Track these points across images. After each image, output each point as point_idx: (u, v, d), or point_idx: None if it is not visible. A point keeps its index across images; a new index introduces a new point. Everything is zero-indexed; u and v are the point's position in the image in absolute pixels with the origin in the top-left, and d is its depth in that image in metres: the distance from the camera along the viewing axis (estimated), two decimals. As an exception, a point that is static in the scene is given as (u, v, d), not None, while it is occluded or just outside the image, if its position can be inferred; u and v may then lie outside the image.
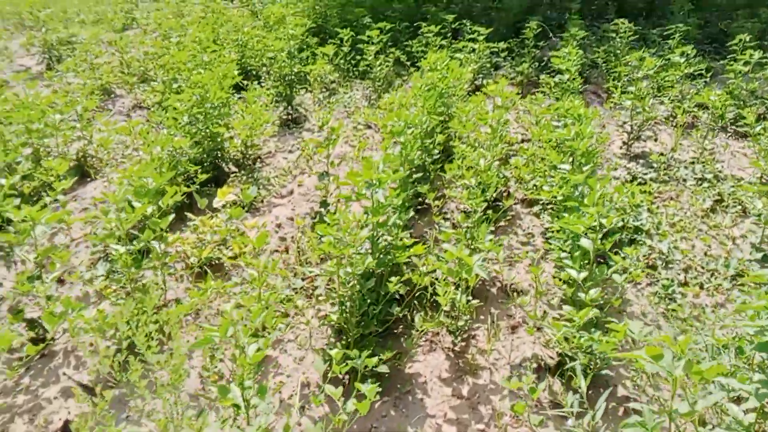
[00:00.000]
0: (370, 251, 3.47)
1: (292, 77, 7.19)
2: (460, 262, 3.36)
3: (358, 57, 8.50)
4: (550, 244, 4.23)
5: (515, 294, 4.05)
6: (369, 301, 3.40)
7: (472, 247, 4.07)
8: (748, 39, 7.20)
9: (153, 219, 3.66)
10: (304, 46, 8.78)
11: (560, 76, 6.44)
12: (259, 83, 8.12)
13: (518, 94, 8.14)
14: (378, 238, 3.54)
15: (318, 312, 3.84)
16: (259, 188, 5.50)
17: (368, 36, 7.91)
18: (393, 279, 3.30)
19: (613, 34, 8.43)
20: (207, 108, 5.46)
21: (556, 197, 4.23)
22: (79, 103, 5.73)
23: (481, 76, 8.30)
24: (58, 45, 9.32)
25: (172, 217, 3.86)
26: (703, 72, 7.31)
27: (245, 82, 7.41)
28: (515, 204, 5.26)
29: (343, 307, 3.29)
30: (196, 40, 6.93)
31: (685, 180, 5.48)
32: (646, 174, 5.55)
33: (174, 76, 7.01)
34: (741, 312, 3.25)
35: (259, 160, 6.12)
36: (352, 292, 3.24)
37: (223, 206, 4.55)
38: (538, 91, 7.87)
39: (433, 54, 6.14)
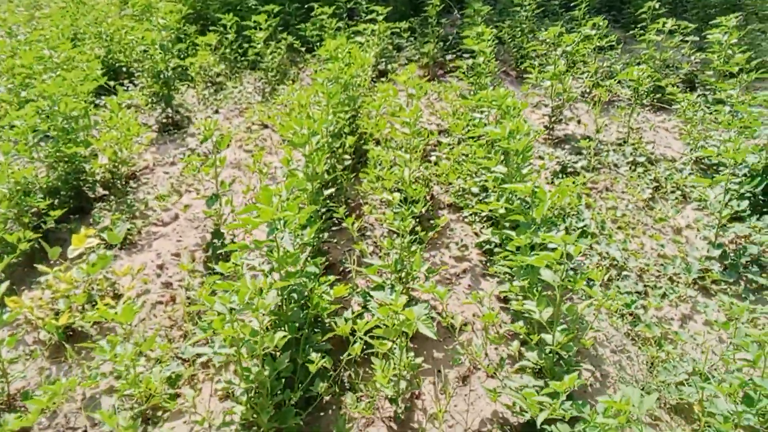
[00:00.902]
0: (277, 318, 2.61)
1: (169, 73, 6.07)
2: (397, 314, 2.58)
3: (246, 45, 7.45)
4: (494, 265, 3.53)
5: (457, 329, 3.32)
6: (284, 378, 2.56)
7: (404, 278, 3.29)
8: (656, 6, 6.83)
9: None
10: (182, 36, 7.60)
11: (474, 59, 5.74)
12: (132, 82, 6.90)
13: (426, 77, 7.43)
14: (288, 300, 2.69)
15: (217, 390, 2.94)
16: (135, 215, 4.44)
17: (255, 21, 6.88)
18: (315, 356, 2.47)
19: (517, 8, 7.84)
20: (59, 123, 4.32)
21: (494, 210, 3.53)
22: None
23: (384, 59, 7.49)
24: None
25: (5, 284, 2.81)
26: (614, 44, 6.87)
27: (113, 83, 6.20)
28: (441, 209, 4.54)
29: (250, 399, 2.43)
30: (42, 38, 5.63)
31: (617, 165, 4.96)
32: (576, 162, 4.99)
33: (22, 83, 5.71)
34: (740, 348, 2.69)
35: (133, 177, 5.02)
36: (259, 377, 2.37)
37: (83, 254, 3.50)
38: (450, 75, 7.19)
39: (332, 40, 5.25)
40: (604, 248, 3.86)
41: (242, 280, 2.29)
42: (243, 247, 2.61)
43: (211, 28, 7.71)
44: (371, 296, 3.06)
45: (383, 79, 7.16)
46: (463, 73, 6.09)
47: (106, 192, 4.74)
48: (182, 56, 7.21)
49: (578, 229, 3.94)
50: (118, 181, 4.83)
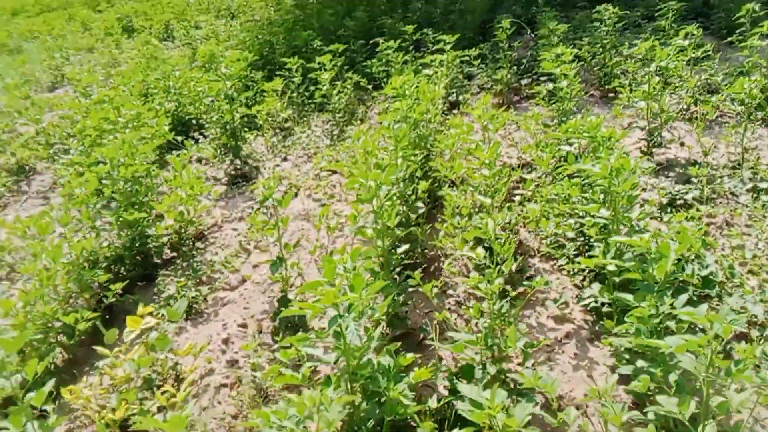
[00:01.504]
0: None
1: (236, 124, 5.84)
2: (493, 417, 2.04)
3: (312, 87, 7.17)
4: (608, 336, 2.91)
5: (570, 425, 2.71)
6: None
7: (496, 354, 2.75)
8: (756, 8, 5.99)
9: (19, 404, 2.29)
10: (250, 83, 7.42)
11: (554, 83, 5.15)
12: (202, 134, 6.75)
13: (500, 105, 6.89)
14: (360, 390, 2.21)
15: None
16: (201, 281, 4.13)
17: (320, 63, 6.59)
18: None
19: (596, 23, 7.19)
20: (121, 187, 4.10)
21: (603, 266, 2.92)
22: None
23: (454, 90, 7.01)
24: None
25: (50, 383, 2.49)
26: (709, 53, 6.07)
27: (181, 139, 6.02)
28: (531, 256, 3.95)
29: None
30: (106, 98, 5.52)
31: (735, 194, 4.21)
32: (685, 193, 4.27)
33: (92, 144, 5.61)
34: None
35: (201, 237, 4.74)
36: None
37: (140, 335, 3.17)
38: (527, 101, 6.60)
39: (398, 76, 4.83)
40: (737, 301, 3.16)
41: (299, 397, 1.83)
42: (302, 339, 2.16)
43: (277, 72, 7.50)
44: (458, 381, 2.53)
45: (455, 111, 6.68)
46: (543, 98, 5.51)
47: (174, 254, 4.48)
48: (250, 104, 7.02)
49: (702, 278, 3.24)
50: (185, 243, 4.56)
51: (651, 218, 4.15)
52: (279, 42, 8.73)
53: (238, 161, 5.86)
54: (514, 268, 3.60)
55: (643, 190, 4.44)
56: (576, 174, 3.81)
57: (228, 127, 5.80)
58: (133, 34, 13.03)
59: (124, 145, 4.23)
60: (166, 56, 10.51)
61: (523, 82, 7.13)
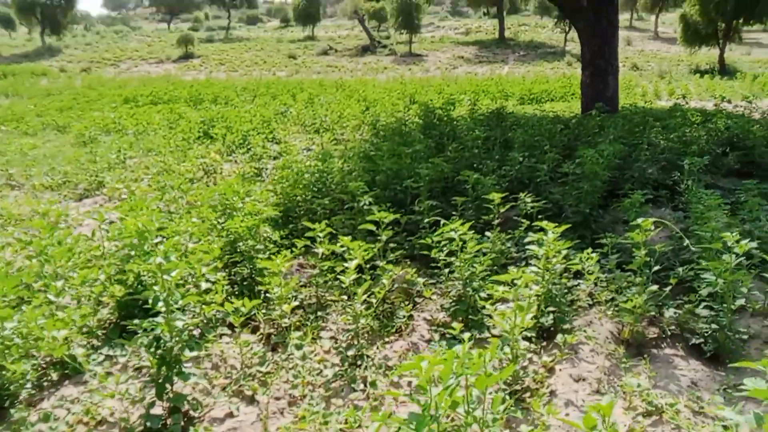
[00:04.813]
0: None
1: (171, 344, 3.32)
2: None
3: (343, 265, 4.63)
4: None
5: None
6: None
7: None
8: None
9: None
10: (262, 247, 4.98)
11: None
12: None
13: (627, 345, 3.97)
14: None
15: None
16: None
17: (347, 248, 4.09)
18: None
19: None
20: None
21: None
22: None
23: (553, 309, 4.16)
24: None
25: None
26: None
27: (80, 361, 3.59)
28: None
29: None
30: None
31: None
32: None
33: None
34: None
35: None
36: None
37: None
38: (678, 346, 3.59)
39: (420, 361, 2.13)
40: None
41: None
42: None
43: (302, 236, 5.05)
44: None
45: (551, 349, 3.83)
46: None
47: None
48: (241, 289, 4.58)
49: None
50: None
51: None
52: (331, 185, 6.38)
53: (159, 409, 3.30)
54: None
55: None
56: None
57: (159, 347, 3.30)
58: (207, 141, 11.44)
59: None
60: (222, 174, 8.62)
61: (667, 313, 4.18)
